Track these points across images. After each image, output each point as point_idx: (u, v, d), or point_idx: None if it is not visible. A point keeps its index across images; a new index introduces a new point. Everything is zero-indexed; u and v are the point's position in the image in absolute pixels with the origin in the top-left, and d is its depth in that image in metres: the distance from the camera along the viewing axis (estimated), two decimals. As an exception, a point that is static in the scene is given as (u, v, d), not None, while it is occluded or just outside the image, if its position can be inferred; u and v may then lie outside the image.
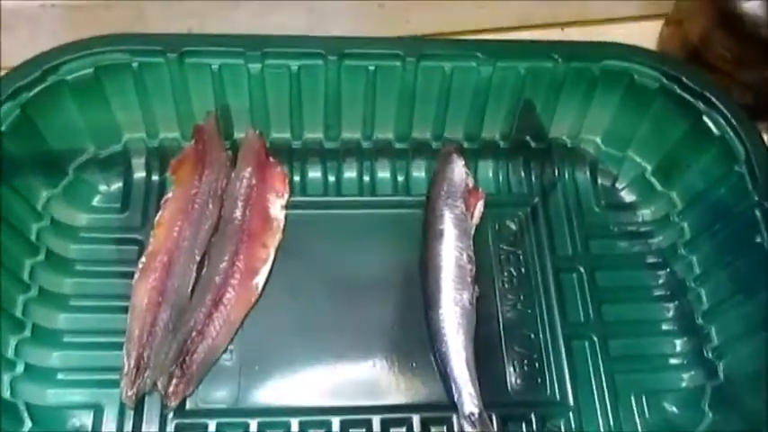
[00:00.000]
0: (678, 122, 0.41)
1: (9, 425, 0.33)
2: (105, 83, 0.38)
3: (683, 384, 0.38)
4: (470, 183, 0.41)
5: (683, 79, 0.39)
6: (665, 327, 0.40)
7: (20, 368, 0.35)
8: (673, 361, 0.39)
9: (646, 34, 0.49)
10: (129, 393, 0.35)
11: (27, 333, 0.36)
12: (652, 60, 0.40)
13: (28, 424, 0.33)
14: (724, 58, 0.43)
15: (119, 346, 0.36)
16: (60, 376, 0.36)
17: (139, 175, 0.41)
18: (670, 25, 0.48)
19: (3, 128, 0.35)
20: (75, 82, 0.37)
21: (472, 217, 0.40)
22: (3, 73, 0.37)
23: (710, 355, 0.38)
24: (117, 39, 0.37)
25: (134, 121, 0.40)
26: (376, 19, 0.47)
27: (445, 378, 0.36)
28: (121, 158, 0.41)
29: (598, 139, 0.44)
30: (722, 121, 0.39)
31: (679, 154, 0.41)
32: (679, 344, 0.39)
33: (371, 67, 0.38)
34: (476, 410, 0.35)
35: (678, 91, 0.40)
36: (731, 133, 0.38)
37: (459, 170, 0.40)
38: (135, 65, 0.37)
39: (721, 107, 0.38)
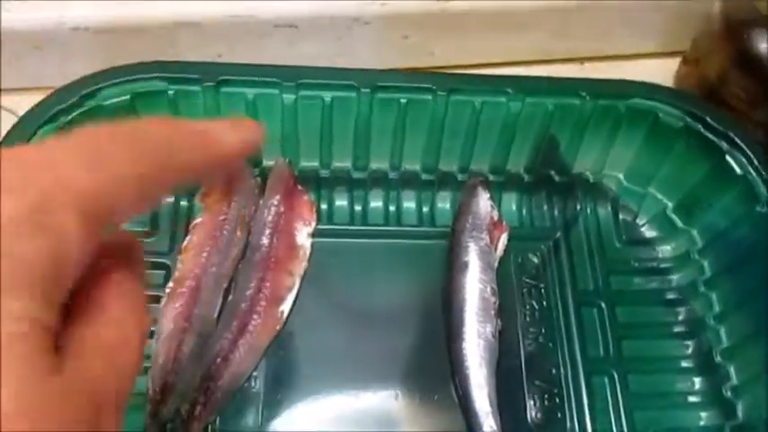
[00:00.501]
0: (701, 161, 0.41)
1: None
2: (140, 110, 0.38)
3: (702, 423, 0.39)
4: (495, 216, 0.41)
5: (708, 119, 0.40)
6: (684, 364, 0.40)
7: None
8: (691, 399, 0.39)
9: (663, 71, 0.50)
10: (153, 419, 0.35)
11: (53, 355, 0.36)
12: (677, 100, 0.41)
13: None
14: (739, 97, 0.44)
15: (143, 371, 0.36)
16: (85, 399, 0.36)
17: (168, 199, 0.42)
18: (687, 63, 0.49)
19: (40, 152, 0.36)
20: (112, 108, 0.38)
21: (496, 249, 0.41)
22: (35, 95, 0.37)
23: (729, 394, 0.38)
24: (155, 66, 0.38)
25: (165, 146, 0.41)
26: (401, 50, 0.48)
27: (466, 411, 0.36)
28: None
29: (620, 176, 0.44)
30: (744, 161, 0.39)
31: (701, 192, 0.42)
32: (698, 382, 0.40)
33: (403, 100, 0.39)
34: None
35: (702, 130, 0.40)
36: (753, 173, 0.39)
37: (484, 203, 0.41)
38: (171, 92, 0.38)
39: (744, 147, 0.39)
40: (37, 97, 0.37)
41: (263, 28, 0.45)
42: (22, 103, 0.37)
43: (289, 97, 0.38)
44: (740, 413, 0.38)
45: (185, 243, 0.39)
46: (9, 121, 0.36)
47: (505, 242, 0.41)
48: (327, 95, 0.38)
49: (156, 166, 0.19)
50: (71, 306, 0.18)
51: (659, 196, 0.44)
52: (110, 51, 0.40)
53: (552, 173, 0.44)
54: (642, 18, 0.50)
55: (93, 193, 0.17)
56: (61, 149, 0.18)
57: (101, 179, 0.18)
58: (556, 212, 0.44)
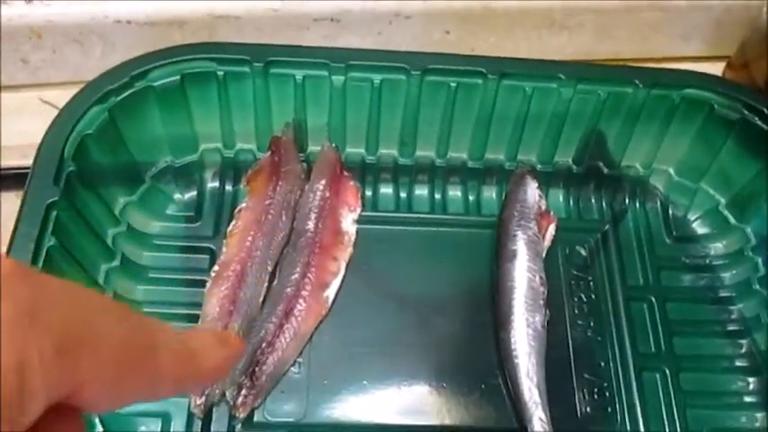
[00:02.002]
0: (756, 156, 0.40)
1: (81, 429, 0.33)
2: (189, 91, 0.38)
3: (757, 424, 0.37)
4: (543, 205, 0.40)
5: (765, 111, 0.39)
6: (738, 363, 0.39)
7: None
8: (747, 399, 0.38)
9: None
10: (198, 403, 0.34)
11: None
12: (733, 91, 0.40)
13: (99, 429, 0.33)
14: None
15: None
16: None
17: (213, 185, 0.42)
18: (733, 68, 0.48)
19: (91, 131, 0.36)
20: (162, 89, 0.38)
21: (544, 239, 0.40)
22: (74, 88, 0.37)
23: (784, 395, 0.37)
24: (205, 47, 0.38)
25: (212, 130, 0.41)
26: (441, 45, 0.48)
27: (515, 401, 0.36)
28: (197, 168, 0.42)
29: (671, 170, 0.43)
30: (803, 157, 0.38)
31: (755, 188, 0.41)
32: (753, 382, 0.38)
33: (453, 84, 0.38)
34: None
35: (759, 123, 0.39)
36: (812, 168, 0.38)
37: (532, 192, 0.40)
38: (220, 74, 0.38)
39: (802, 141, 0.38)
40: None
41: (303, 21, 0.45)
42: (63, 97, 0.37)
43: (338, 79, 0.38)
44: (795, 415, 0.37)
45: (230, 227, 0.39)
46: (50, 116, 0.36)
47: (553, 233, 0.40)
48: (377, 77, 0.38)
49: (137, 374, 0.17)
50: None
51: (711, 192, 0.43)
52: (151, 44, 0.40)
53: (601, 165, 0.43)
54: (686, 20, 0.49)
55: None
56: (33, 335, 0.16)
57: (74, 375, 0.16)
58: (604, 205, 0.43)
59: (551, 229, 0.40)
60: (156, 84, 0.37)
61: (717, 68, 0.49)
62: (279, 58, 0.38)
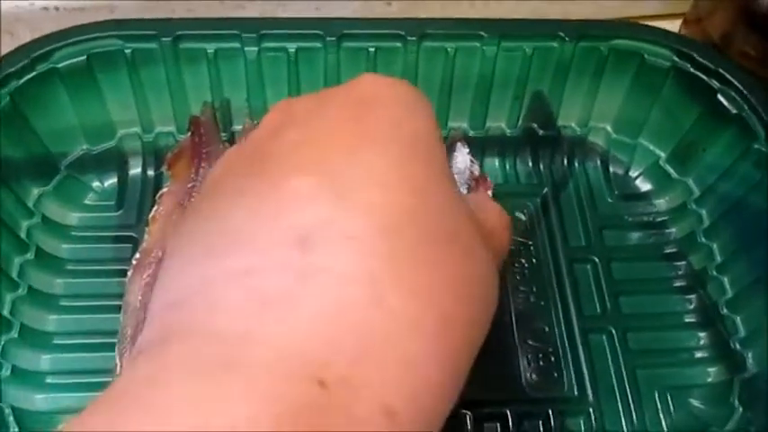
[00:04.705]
0: (692, 104, 0.39)
1: (-6, 430, 0.31)
2: (98, 73, 0.37)
3: (710, 379, 0.36)
4: (476, 170, 0.39)
5: (696, 56, 0.38)
6: (687, 319, 0.38)
7: (6, 371, 0.33)
8: (697, 354, 0.37)
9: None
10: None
11: (14, 334, 0.34)
12: (663, 38, 0.39)
13: (15, 430, 0.32)
14: (748, 55, 0.42)
15: (111, 347, 0.34)
16: (50, 380, 0.34)
17: (134, 171, 0.40)
18: (688, 25, 0.47)
19: (-8, 118, 0.34)
20: (67, 70, 0.36)
21: None
22: None
23: (737, 346, 0.36)
24: (109, 25, 0.36)
25: (128, 113, 0.39)
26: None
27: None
28: (115, 154, 0.40)
29: (609, 127, 0.42)
30: (739, 99, 0.37)
31: (694, 138, 0.40)
32: (703, 336, 0.37)
33: (372, 49, 0.37)
34: None
35: (691, 69, 0.38)
36: (749, 111, 0.37)
37: (463, 158, 0.39)
38: (128, 51, 0.36)
39: (737, 84, 0.37)
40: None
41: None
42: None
43: (251, 50, 0.37)
44: (750, 366, 0.35)
45: (152, 213, 0.37)
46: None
47: (490, 197, 0.39)
48: (292, 47, 0.37)
49: None
50: None
51: (651, 147, 0.42)
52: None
53: (535, 126, 0.42)
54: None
55: None
56: None
57: None
58: (542, 168, 0.42)
59: (488, 195, 0.39)
60: (60, 66, 0.36)
61: (674, 27, 0.48)
62: (188, 32, 0.36)
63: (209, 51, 0.37)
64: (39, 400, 0.33)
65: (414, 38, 0.37)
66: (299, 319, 0.16)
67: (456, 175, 0.38)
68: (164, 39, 0.36)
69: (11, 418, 0.32)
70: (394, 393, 0.16)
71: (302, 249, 0.17)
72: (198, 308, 0.17)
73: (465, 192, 0.38)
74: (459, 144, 0.39)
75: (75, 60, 0.36)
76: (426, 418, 0.16)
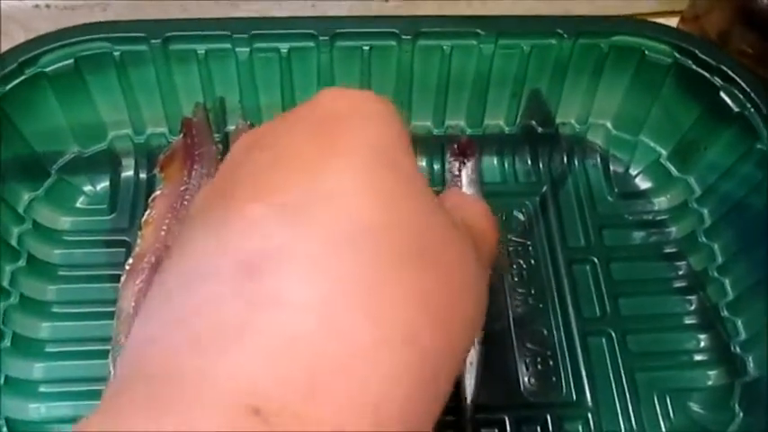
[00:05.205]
0: (693, 101, 0.38)
1: (-13, 441, 0.31)
2: (87, 75, 0.36)
3: (710, 383, 0.36)
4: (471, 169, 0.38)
5: (698, 53, 0.37)
6: (687, 321, 0.37)
7: (-1, 381, 0.33)
8: (697, 357, 0.36)
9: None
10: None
11: (7, 342, 0.34)
12: (664, 35, 0.38)
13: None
14: (745, 53, 0.41)
15: (105, 355, 0.33)
16: (43, 389, 0.34)
17: (126, 173, 0.40)
18: (686, 22, 0.46)
19: (-21, 124, 0.34)
20: (55, 75, 0.35)
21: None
22: None
23: (738, 350, 0.36)
24: (96, 27, 0.35)
25: (119, 116, 0.38)
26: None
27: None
28: (107, 157, 0.39)
29: (609, 124, 0.41)
30: (741, 97, 0.36)
31: (695, 136, 0.39)
32: (703, 339, 0.37)
33: (366, 48, 0.36)
34: None
35: (693, 66, 0.37)
36: (752, 109, 0.36)
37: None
38: (117, 54, 0.35)
39: (740, 81, 0.36)
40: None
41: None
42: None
43: (243, 51, 0.36)
44: (751, 369, 0.35)
45: (145, 217, 0.37)
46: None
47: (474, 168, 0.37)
48: (284, 47, 0.36)
49: None
50: None
51: (652, 144, 0.41)
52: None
53: (534, 124, 0.41)
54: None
55: None
56: None
57: None
58: (541, 166, 0.41)
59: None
60: (47, 69, 0.35)
61: (671, 24, 0.47)
62: (178, 33, 0.35)
63: (199, 52, 0.36)
64: (32, 410, 0.33)
65: (409, 36, 0.36)
66: (248, 353, 0.16)
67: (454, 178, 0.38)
68: (153, 40, 0.35)
69: (4, 429, 0.31)
70: (352, 423, 0.15)
71: (251, 278, 0.17)
72: (168, 345, 0.17)
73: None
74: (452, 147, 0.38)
75: (62, 64, 0.35)
76: None
